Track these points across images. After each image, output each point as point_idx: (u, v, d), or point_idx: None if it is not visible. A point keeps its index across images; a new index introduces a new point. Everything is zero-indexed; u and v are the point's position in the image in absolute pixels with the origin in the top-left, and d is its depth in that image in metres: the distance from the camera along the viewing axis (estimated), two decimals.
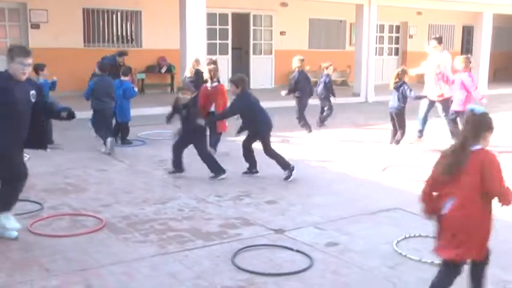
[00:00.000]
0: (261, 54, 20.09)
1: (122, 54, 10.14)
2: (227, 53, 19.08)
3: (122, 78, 9.89)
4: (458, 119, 9.64)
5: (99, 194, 6.85)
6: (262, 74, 19.65)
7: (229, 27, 19.20)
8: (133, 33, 17.85)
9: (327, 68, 12.12)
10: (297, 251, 5.07)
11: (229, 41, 19.28)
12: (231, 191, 7.03)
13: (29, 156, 8.53)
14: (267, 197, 6.79)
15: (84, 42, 16.75)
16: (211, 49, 17.27)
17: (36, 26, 16.01)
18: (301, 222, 5.91)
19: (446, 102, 10.06)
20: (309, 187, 7.32)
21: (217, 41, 18.83)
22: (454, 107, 9.76)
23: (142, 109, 12.89)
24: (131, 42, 17.76)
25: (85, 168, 8.10)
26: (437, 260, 4.74)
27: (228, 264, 4.76)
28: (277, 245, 5.23)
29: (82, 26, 16.72)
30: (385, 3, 18.43)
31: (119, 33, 17.65)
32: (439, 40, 10.57)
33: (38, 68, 9.31)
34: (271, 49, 20.19)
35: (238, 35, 19.61)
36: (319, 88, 11.95)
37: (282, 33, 20.13)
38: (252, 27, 19.82)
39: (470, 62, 9.81)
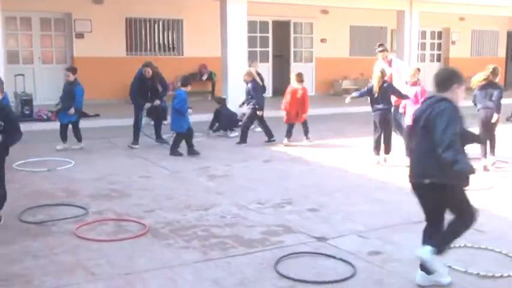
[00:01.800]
0: (301, 61, 20.08)
1: (144, 65, 10.04)
2: (268, 61, 19.15)
3: (183, 88, 9.87)
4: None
5: (143, 199, 6.94)
6: None
7: (270, 34, 19.27)
8: (174, 42, 18.07)
9: None
10: (340, 259, 5.03)
11: (270, 49, 19.35)
12: (273, 198, 7.03)
13: (73, 163, 8.72)
14: (309, 204, 6.76)
15: (127, 51, 17.03)
16: (252, 57, 17.33)
17: (80, 36, 16.37)
18: (344, 230, 5.87)
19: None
20: (352, 195, 7.26)
21: (258, 49, 18.90)
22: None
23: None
24: (173, 51, 17.98)
25: (129, 174, 8.22)
26: (483, 271, 4.68)
27: (271, 272, 4.75)
28: (319, 253, 5.20)
29: (125, 35, 17.01)
30: (426, 9, 18.24)
31: (161, 41, 17.89)
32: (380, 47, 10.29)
33: None
34: (312, 56, 20.18)
35: (279, 42, 19.66)
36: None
37: (323, 40, 20.10)
38: (292, 35, 19.86)
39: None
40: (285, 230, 5.85)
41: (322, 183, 7.71)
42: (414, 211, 6.49)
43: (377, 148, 9.05)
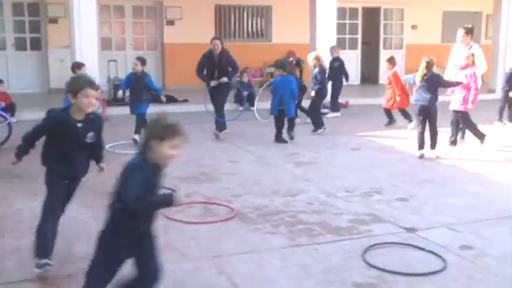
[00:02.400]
0: (391, 48, 19.65)
1: (214, 38, 9.84)
2: (356, 48, 18.90)
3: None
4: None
5: (230, 184, 7.02)
6: None
7: (359, 21, 18.97)
8: (263, 28, 18.11)
9: None
10: (430, 251, 4.89)
11: (359, 36, 19.05)
12: (361, 186, 6.93)
13: None
14: (399, 194, 6.62)
15: None
16: (340, 44, 17.14)
17: (170, 23, 16.73)
18: (434, 222, 5.71)
19: None
20: (442, 186, 7.05)
21: (347, 36, 18.68)
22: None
23: (267, 102, 13.01)
24: (261, 37, 18.04)
25: (218, 158, 8.34)
26: None
27: (358, 261, 4.69)
28: (409, 244, 5.08)
29: (214, 21, 17.23)
30: None
31: (249, 28, 17.99)
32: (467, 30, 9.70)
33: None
34: (402, 43, 19.71)
35: (368, 29, 19.32)
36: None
37: (414, 27, 19.59)
38: (382, 21, 19.47)
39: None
40: (374, 219, 5.76)
41: (413, 173, 7.53)
42: (507, 205, 6.29)
43: (420, 144, 8.54)
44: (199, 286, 4.27)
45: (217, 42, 9.96)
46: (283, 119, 9.67)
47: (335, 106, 13.03)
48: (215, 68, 10.06)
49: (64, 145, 4.43)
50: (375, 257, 4.75)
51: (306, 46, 15.15)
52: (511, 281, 4.44)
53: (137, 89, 9.56)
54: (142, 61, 9.67)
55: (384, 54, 19.41)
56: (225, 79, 9.96)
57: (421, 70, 8.45)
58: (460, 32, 9.80)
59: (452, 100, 9.10)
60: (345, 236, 5.26)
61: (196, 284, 4.30)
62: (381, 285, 4.25)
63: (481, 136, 9.12)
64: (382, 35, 19.63)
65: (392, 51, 19.30)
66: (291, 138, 9.66)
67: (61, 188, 4.58)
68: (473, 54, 9.11)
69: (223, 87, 10.11)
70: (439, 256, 4.78)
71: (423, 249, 4.95)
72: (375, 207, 6.16)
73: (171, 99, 12.90)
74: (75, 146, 4.48)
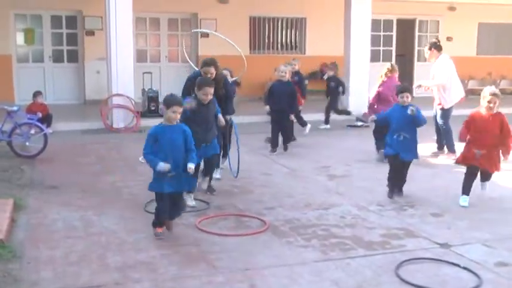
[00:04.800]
0: (425, 61, 19.39)
1: (206, 64, 7.62)
2: (391, 60, 18.72)
3: None
4: None
5: (263, 196, 7.02)
6: None
7: (394, 33, 18.86)
8: (297, 40, 18.14)
9: None
10: (465, 268, 4.81)
11: (394, 48, 18.94)
12: (394, 200, 6.87)
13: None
14: (432, 209, 6.54)
15: (250, 49, 17.32)
16: (374, 56, 17.06)
17: (205, 35, 16.84)
18: (469, 238, 5.61)
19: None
20: (478, 201, 6.92)
21: (381, 48, 18.58)
22: None
23: (304, 115, 13.03)
24: (295, 49, 18.06)
25: (250, 172, 8.34)
26: None
27: (391, 276, 4.64)
28: (443, 260, 5.01)
29: (248, 33, 17.32)
30: None
31: (283, 40, 18.04)
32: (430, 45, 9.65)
33: None
34: None
35: (402, 41, 19.20)
36: None
37: (449, 38, 19.35)
38: (417, 33, 19.33)
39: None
40: (407, 233, 5.70)
41: (447, 188, 7.42)
42: None
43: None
44: None
45: (210, 69, 7.30)
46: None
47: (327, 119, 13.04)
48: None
49: None
50: (408, 272, 4.69)
51: (340, 58, 15.12)
52: None
53: None
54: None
55: (418, 67, 19.28)
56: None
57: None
58: (425, 49, 9.92)
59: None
60: (378, 251, 5.21)
61: None
62: None
63: None
64: (416, 47, 19.46)
65: (427, 63, 19.10)
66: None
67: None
68: (388, 69, 9.55)
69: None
70: (474, 273, 4.70)
71: (458, 265, 4.87)
72: (408, 221, 6.08)
73: None
74: None
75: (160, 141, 5.36)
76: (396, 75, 9.57)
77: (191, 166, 5.34)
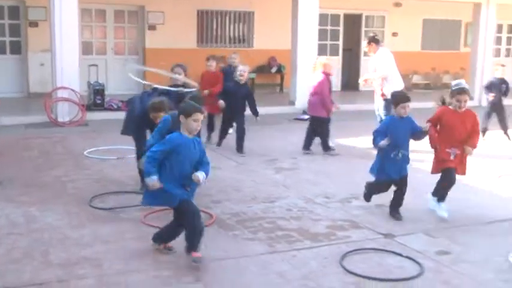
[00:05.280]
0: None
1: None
2: (337, 54, 18.97)
3: None
4: None
5: (210, 190, 7.00)
6: None
7: (341, 28, 19.07)
8: (245, 34, 18.14)
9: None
10: (407, 257, 4.94)
11: (341, 42, 19.15)
12: (340, 192, 6.97)
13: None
14: (377, 200, 6.65)
15: (198, 42, 17.24)
16: (321, 50, 17.21)
17: (152, 28, 16.68)
18: (412, 228, 5.75)
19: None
20: (420, 193, 7.08)
21: (328, 42, 18.74)
22: None
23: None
24: (243, 43, 18.06)
25: None
26: None
27: (336, 267, 4.72)
28: (386, 250, 5.12)
29: (196, 27, 17.22)
30: (505, 1, 17.58)
31: (231, 33, 18.01)
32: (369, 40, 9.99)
33: None
34: None
35: (349, 36, 19.43)
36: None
37: (394, 34, 19.72)
38: (363, 28, 19.56)
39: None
40: (352, 225, 5.80)
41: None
42: (483, 212, 6.36)
43: None
44: None
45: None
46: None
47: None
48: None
49: None
50: (352, 263, 4.78)
51: (288, 52, 15.20)
52: (486, 286, 4.49)
53: None
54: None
55: (364, 61, 19.55)
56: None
57: None
58: (364, 43, 10.18)
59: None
60: (323, 242, 5.29)
61: None
62: None
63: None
64: (363, 42, 19.69)
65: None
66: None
67: None
68: (321, 63, 9.41)
69: None
70: (416, 262, 4.82)
71: (400, 254, 5.00)
72: (353, 213, 6.19)
73: None
74: None
75: (182, 154, 4.66)
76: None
77: (200, 175, 4.66)
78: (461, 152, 6.04)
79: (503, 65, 9.09)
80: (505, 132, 10.90)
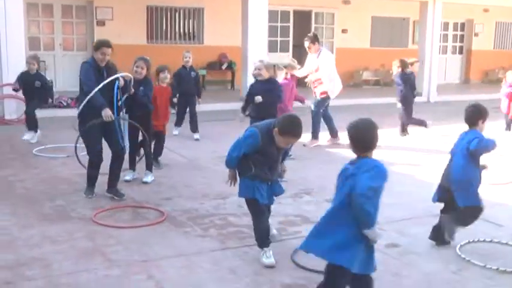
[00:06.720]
0: None
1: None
2: (288, 51, 19.07)
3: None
4: None
5: (161, 187, 6.97)
6: None
7: (291, 24, 19.19)
8: (195, 30, 18.07)
9: (412, 64, 11.38)
10: None
11: (291, 39, 19.27)
12: (291, 188, 7.00)
13: None
14: (328, 195, 6.69)
15: (148, 39, 17.09)
16: (272, 46, 17.29)
17: (101, 23, 16.44)
18: None
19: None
20: None
21: (279, 38, 18.84)
22: None
23: (203, 105, 13.02)
24: (193, 39, 17.98)
25: None
26: (503, 267, 4.63)
27: (288, 262, 4.75)
28: None
29: (146, 23, 17.05)
30: (450, 0, 18.03)
31: (181, 30, 17.91)
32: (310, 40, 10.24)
33: None
34: (333, 47, 20.05)
35: (299, 32, 19.56)
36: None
37: (344, 31, 19.98)
38: (313, 25, 19.73)
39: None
40: (303, 220, 5.85)
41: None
42: (431, 204, 6.47)
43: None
44: None
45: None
46: None
47: None
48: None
49: None
50: (304, 258, 4.81)
51: (238, 48, 15.20)
52: (435, 276, 4.59)
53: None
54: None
55: None
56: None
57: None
58: (306, 43, 10.41)
59: None
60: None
61: None
62: (310, 286, 4.30)
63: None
64: (305, 41, 19.85)
65: None
66: None
67: None
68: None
69: None
70: None
71: None
72: (304, 208, 6.25)
73: None
74: None
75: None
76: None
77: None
78: None
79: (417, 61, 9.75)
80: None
